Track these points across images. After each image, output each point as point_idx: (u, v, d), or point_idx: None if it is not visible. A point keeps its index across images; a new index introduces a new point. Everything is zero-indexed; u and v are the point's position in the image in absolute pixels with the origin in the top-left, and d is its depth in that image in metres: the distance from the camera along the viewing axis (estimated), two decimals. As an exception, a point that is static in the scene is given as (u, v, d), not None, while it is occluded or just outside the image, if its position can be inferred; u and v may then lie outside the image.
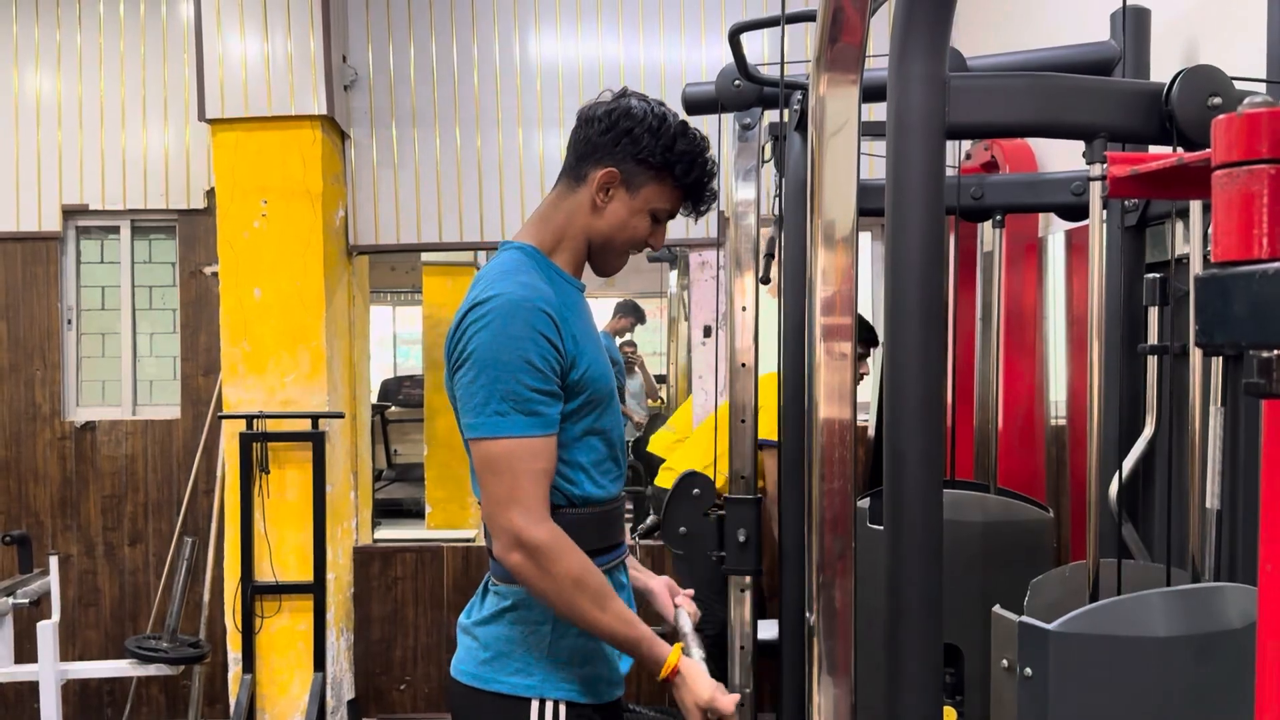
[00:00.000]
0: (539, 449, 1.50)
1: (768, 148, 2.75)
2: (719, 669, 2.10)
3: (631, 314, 7.27)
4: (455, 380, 1.56)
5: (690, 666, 1.57)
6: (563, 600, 1.49)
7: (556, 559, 1.48)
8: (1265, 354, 0.64)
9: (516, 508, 1.48)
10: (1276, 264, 0.62)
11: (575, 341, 1.57)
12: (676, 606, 1.83)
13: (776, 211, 2.66)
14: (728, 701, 1.56)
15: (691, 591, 1.89)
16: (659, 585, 1.85)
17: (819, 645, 1.46)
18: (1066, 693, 1.42)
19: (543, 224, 1.68)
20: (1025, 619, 1.46)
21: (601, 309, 7.47)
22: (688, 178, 1.64)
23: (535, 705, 1.57)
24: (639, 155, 1.61)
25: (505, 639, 1.60)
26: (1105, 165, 1.35)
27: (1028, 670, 1.44)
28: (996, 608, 1.54)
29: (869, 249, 4.52)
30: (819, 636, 1.45)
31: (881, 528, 1.45)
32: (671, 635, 1.70)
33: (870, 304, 4.20)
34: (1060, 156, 2.91)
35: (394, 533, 5.10)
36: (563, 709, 1.58)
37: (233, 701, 4.16)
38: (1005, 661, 1.49)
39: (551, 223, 1.67)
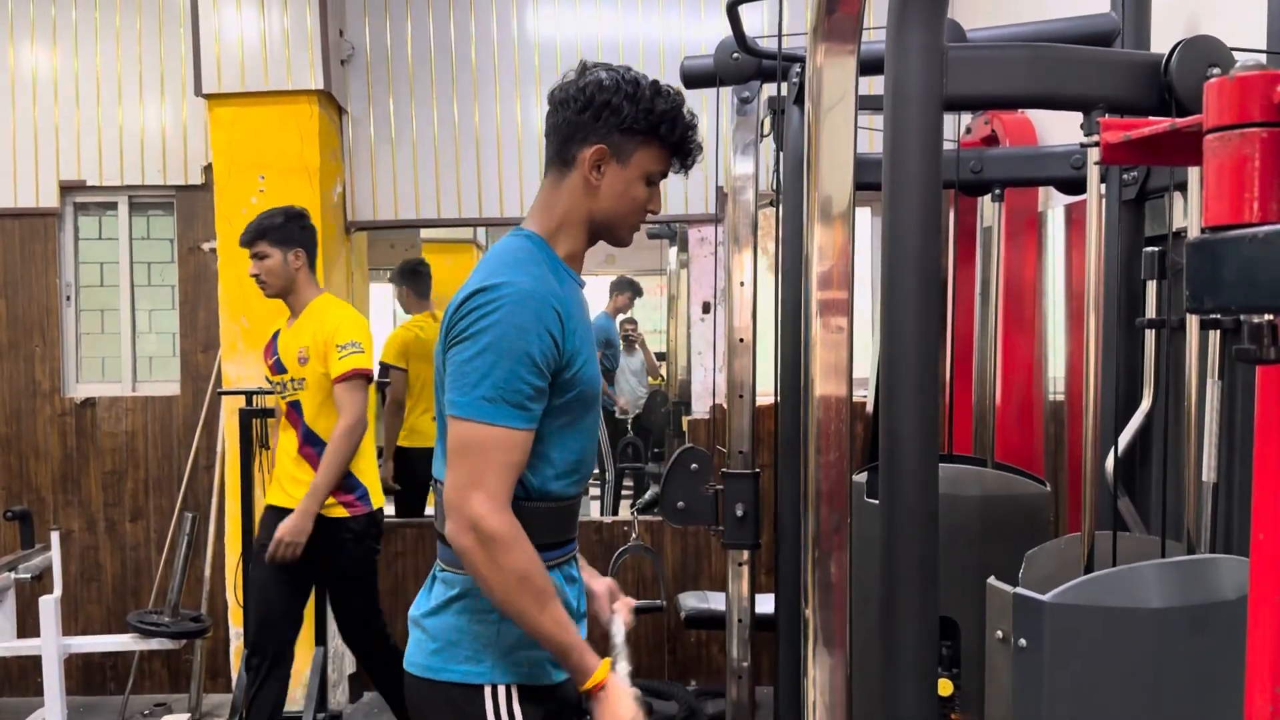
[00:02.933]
0: (516, 442, 1.50)
1: (767, 122, 2.74)
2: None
3: (629, 289, 7.26)
4: (449, 355, 1.55)
5: (614, 684, 1.55)
6: (505, 593, 1.49)
7: (507, 551, 1.48)
8: (1256, 319, 0.64)
9: (480, 493, 1.48)
10: (1268, 227, 0.61)
11: (575, 339, 1.57)
12: (613, 613, 1.81)
13: (775, 186, 2.65)
14: None
15: (634, 601, 1.86)
16: (600, 588, 1.83)
17: (814, 618, 1.46)
18: (1061, 663, 1.43)
19: (545, 212, 1.66)
20: (1020, 590, 1.46)
21: (600, 286, 7.46)
22: (673, 135, 1.63)
23: (488, 691, 1.57)
24: (623, 125, 1.59)
25: (454, 628, 1.60)
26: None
27: (1022, 641, 1.45)
28: (991, 579, 1.54)
29: (869, 224, 4.50)
30: (814, 610, 1.46)
31: (878, 501, 1.45)
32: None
33: (869, 279, 4.19)
34: (1061, 130, 2.90)
35: (394, 509, 5.11)
36: (514, 692, 1.58)
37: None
38: (1000, 633, 1.50)
39: (553, 210, 1.66)
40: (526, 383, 1.50)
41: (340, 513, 3.28)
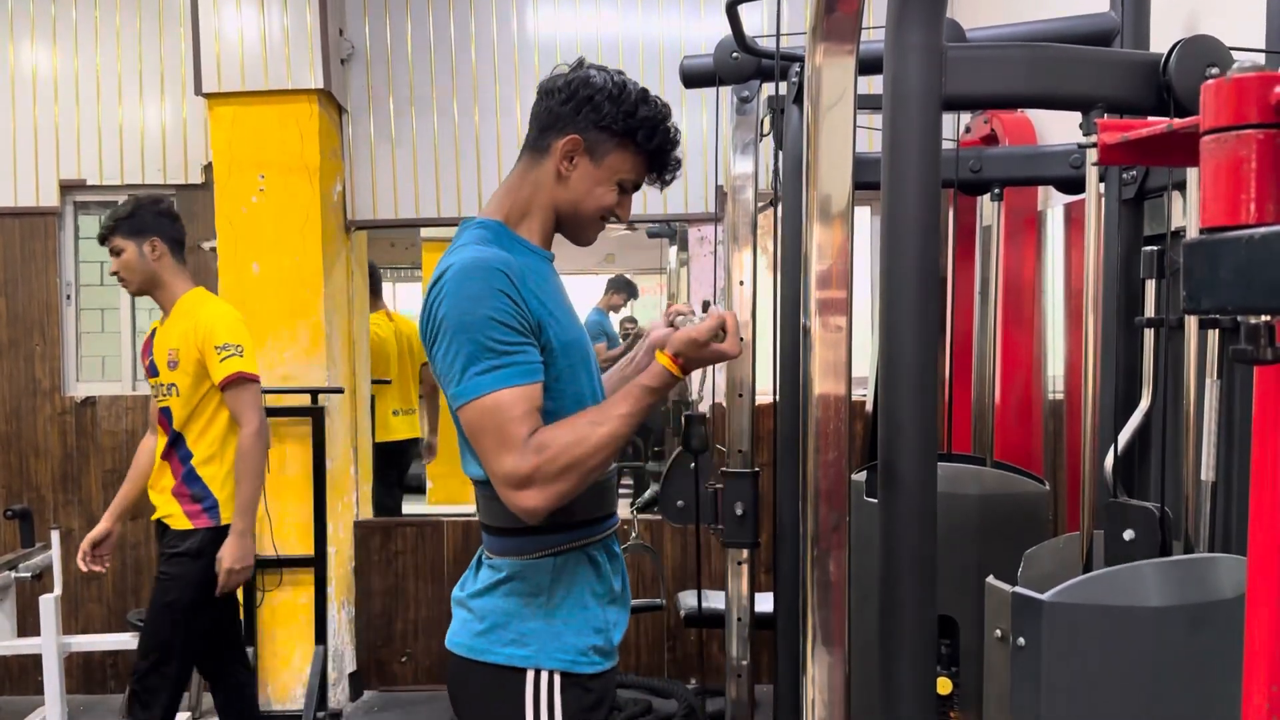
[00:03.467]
0: (520, 395, 1.48)
1: (766, 121, 2.74)
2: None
3: (624, 289, 7.28)
4: (433, 359, 1.56)
5: (679, 338, 1.52)
6: (587, 472, 1.49)
7: (548, 463, 1.46)
8: (1253, 320, 0.65)
9: (507, 453, 1.47)
10: (1264, 229, 0.62)
11: (540, 303, 1.55)
12: (668, 319, 1.74)
13: (775, 185, 2.65)
14: (711, 320, 1.51)
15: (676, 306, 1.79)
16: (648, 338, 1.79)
17: (813, 617, 1.47)
18: (1059, 662, 1.43)
19: (506, 197, 1.67)
20: (1019, 589, 1.47)
21: (597, 285, 7.47)
22: (650, 144, 1.63)
23: (531, 675, 1.58)
24: (601, 123, 1.60)
25: (500, 610, 1.60)
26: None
27: (1021, 640, 1.45)
28: (990, 578, 1.54)
29: (868, 224, 4.50)
30: (813, 608, 1.46)
31: (877, 500, 1.46)
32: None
33: (869, 278, 4.20)
34: (1060, 130, 2.90)
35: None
36: (557, 678, 1.58)
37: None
38: (999, 632, 1.50)
39: (516, 196, 1.66)
40: (498, 341, 1.48)
41: (182, 524, 3.03)
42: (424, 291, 1.60)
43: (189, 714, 4.01)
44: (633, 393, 1.52)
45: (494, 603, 1.61)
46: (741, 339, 1.57)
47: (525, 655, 1.58)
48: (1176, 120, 1.06)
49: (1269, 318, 0.65)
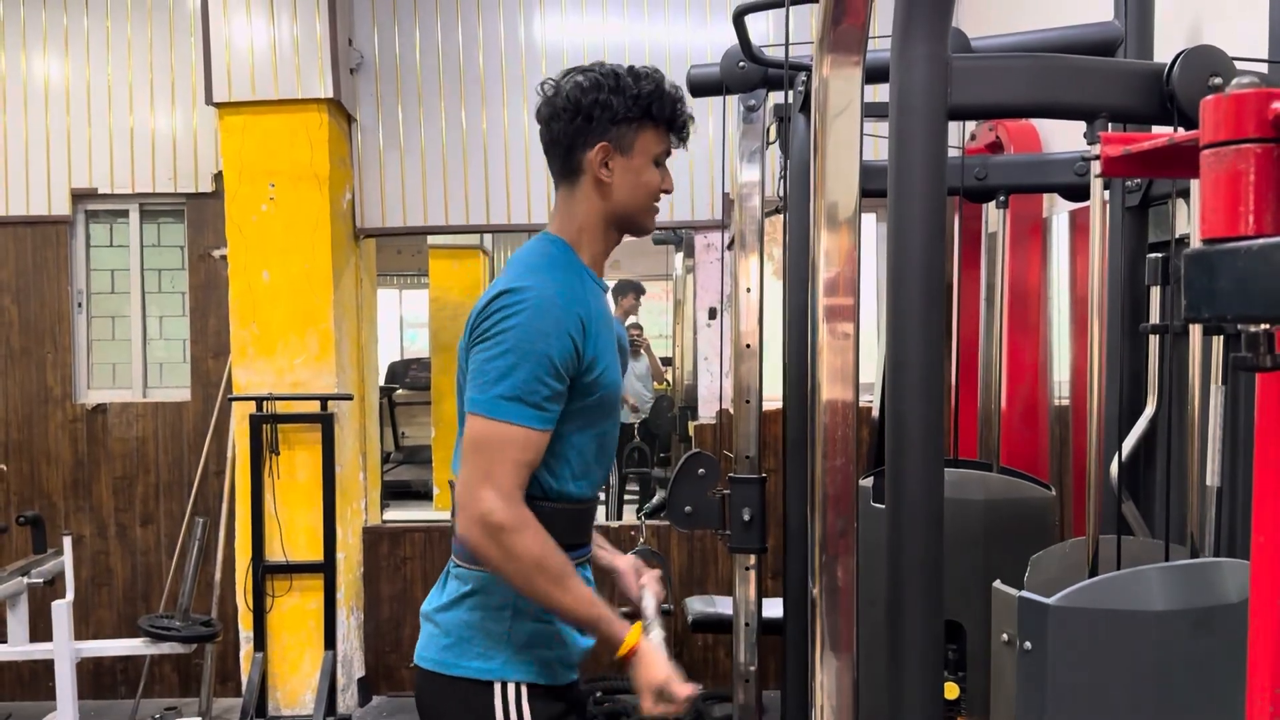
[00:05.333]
0: (531, 442, 1.52)
1: (772, 129, 2.76)
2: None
3: (633, 291, 7.30)
4: (472, 354, 1.58)
5: (647, 648, 1.58)
6: (524, 580, 1.52)
7: (518, 538, 1.49)
8: (1254, 329, 0.66)
9: (490, 488, 1.50)
10: (1262, 240, 0.63)
11: (598, 348, 1.59)
12: (642, 586, 1.83)
13: (781, 193, 2.67)
14: (682, 688, 1.56)
15: (659, 572, 1.88)
16: (625, 565, 1.85)
17: (821, 622, 1.48)
18: (1065, 666, 1.44)
19: (567, 219, 1.68)
20: (1025, 594, 1.48)
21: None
22: (664, 112, 1.65)
23: (498, 688, 1.59)
24: (616, 118, 1.62)
25: (466, 624, 1.62)
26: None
27: (1027, 644, 1.46)
28: (997, 583, 1.56)
29: (874, 231, 4.52)
30: (821, 613, 1.47)
31: (884, 506, 1.47)
32: (635, 615, 1.69)
33: (875, 286, 4.21)
34: (1065, 137, 2.92)
35: (402, 514, 5.15)
36: (524, 690, 1.60)
37: (244, 679, 4.21)
38: (1005, 636, 1.51)
39: (573, 217, 1.68)
40: (545, 384, 1.52)
41: None
42: (483, 287, 1.61)
43: (199, 719, 4.04)
44: (596, 610, 1.55)
45: (459, 616, 1.63)
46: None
47: (492, 669, 1.60)
48: (1177, 134, 1.07)
49: (1268, 326, 0.67)
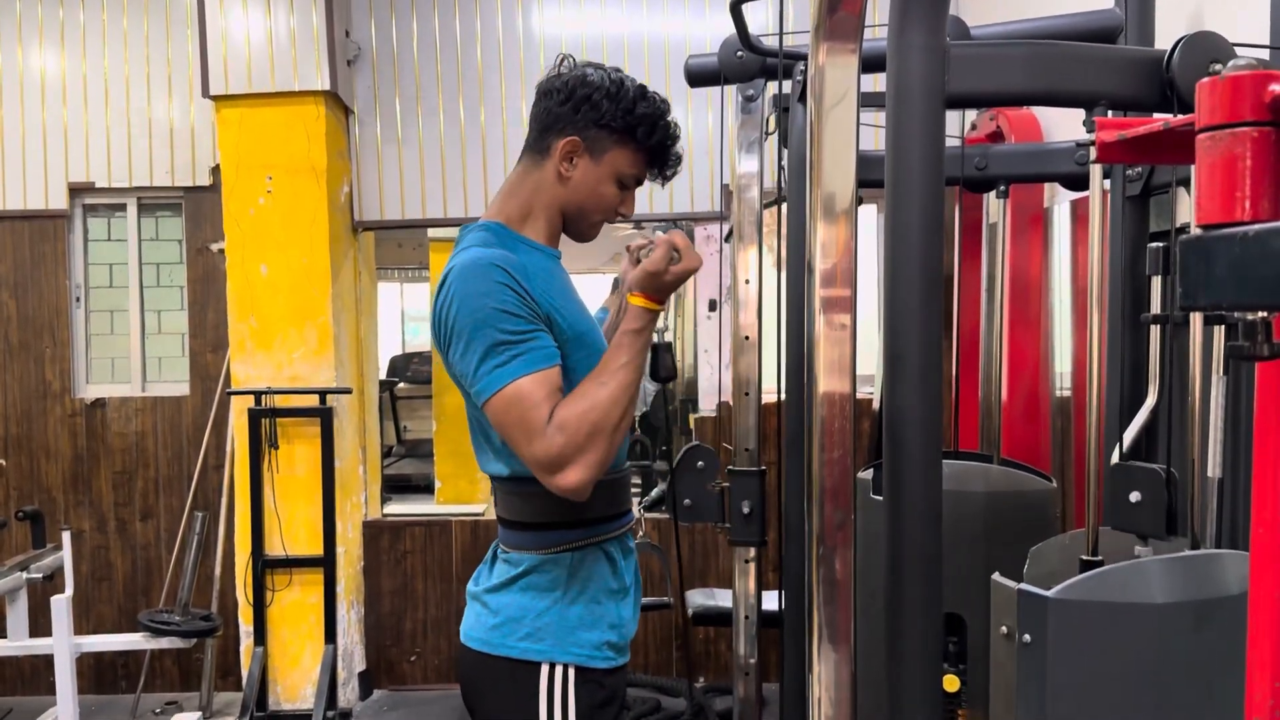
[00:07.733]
0: (538, 381, 1.49)
1: (771, 120, 2.74)
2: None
3: None
4: (450, 363, 1.57)
5: (634, 279, 1.56)
6: (611, 431, 1.49)
7: (576, 435, 1.47)
8: (1250, 317, 0.65)
9: (534, 440, 1.48)
10: (1258, 226, 0.62)
11: (547, 297, 1.56)
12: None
13: (780, 184, 2.65)
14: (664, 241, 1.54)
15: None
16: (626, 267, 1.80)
17: (819, 615, 1.47)
18: (1065, 659, 1.43)
19: (508, 199, 1.68)
20: (1024, 586, 1.47)
21: (603, 284, 7.46)
22: (650, 140, 1.64)
23: (545, 669, 1.59)
24: (600, 121, 1.61)
25: (515, 605, 1.62)
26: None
27: (1026, 637, 1.45)
28: (996, 575, 1.55)
29: (873, 221, 4.50)
30: (819, 606, 1.46)
31: (883, 498, 1.46)
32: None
33: (874, 277, 4.19)
34: (1066, 127, 2.90)
35: (404, 508, 5.14)
36: (571, 673, 1.60)
37: (245, 673, 4.21)
38: (1004, 628, 1.50)
39: (517, 197, 1.67)
40: (509, 332, 1.49)
41: None
42: (431, 296, 1.61)
43: (199, 713, 4.03)
44: (622, 342, 1.54)
45: (509, 598, 1.62)
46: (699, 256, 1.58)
47: (540, 649, 1.60)
48: (1173, 119, 1.06)
49: (1265, 314, 0.66)
